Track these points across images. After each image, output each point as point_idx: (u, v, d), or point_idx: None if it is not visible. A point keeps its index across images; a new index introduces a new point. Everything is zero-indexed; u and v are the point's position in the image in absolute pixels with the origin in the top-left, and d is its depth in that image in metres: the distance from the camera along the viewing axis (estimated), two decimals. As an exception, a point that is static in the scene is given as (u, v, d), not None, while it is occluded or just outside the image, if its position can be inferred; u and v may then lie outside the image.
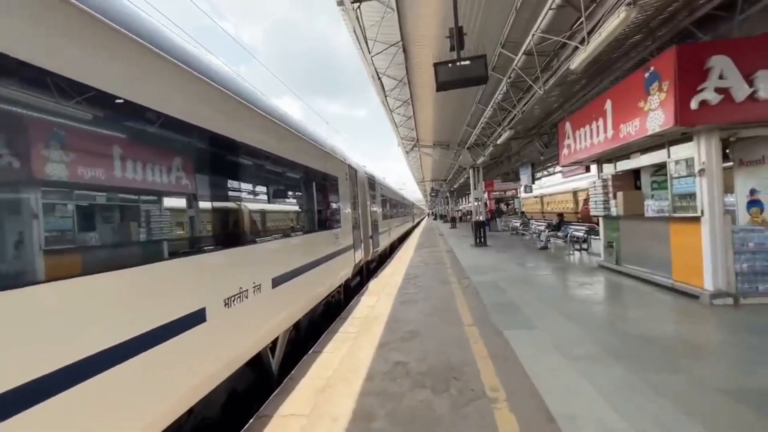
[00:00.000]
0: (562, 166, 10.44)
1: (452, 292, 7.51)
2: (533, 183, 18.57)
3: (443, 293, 7.42)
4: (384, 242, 14.18)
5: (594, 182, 8.88)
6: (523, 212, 24.24)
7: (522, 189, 26.49)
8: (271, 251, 4.15)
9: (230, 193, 3.46)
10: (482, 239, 15.90)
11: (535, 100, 8.26)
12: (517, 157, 17.35)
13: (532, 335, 4.76)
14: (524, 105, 8.90)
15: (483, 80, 5.43)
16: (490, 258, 12.22)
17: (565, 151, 9.38)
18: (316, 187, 5.97)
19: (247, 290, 3.43)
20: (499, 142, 11.59)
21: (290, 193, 4.98)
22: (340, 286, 7.50)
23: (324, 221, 6.29)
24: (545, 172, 24.38)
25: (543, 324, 5.16)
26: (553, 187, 37.20)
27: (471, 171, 16.23)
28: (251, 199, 3.86)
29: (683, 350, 4.08)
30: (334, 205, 6.92)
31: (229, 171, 3.47)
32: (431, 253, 14.33)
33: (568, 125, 9.14)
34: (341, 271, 7.21)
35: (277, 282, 4.12)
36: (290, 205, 4.95)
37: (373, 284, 8.87)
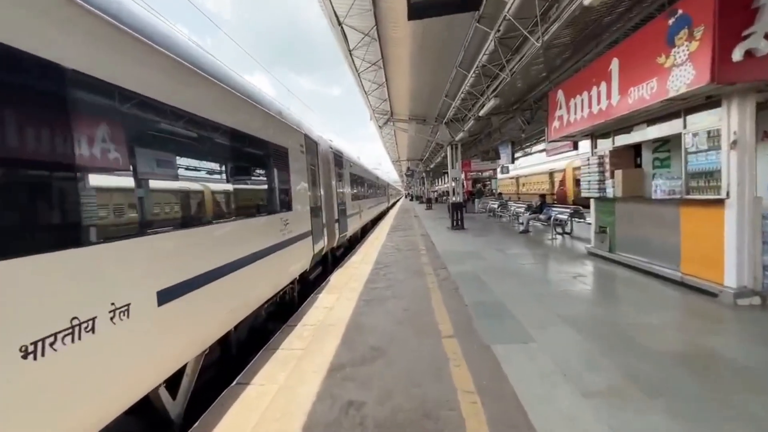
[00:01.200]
0: (550, 141, 9.36)
1: (427, 287, 6.35)
2: (513, 162, 17.64)
3: (417, 289, 6.25)
4: (354, 225, 12.88)
5: (587, 160, 7.85)
6: (500, 193, 23.48)
7: (499, 169, 25.74)
8: (159, 251, 2.76)
9: (58, 156, 2.02)
10: (459, 222, 14.89)
11: (529, 57, 6.97)
12: (498, 135, 16.31)
13: (529, 353, 3.66)
14: (515, 65, 7.60)
15: (471, 5, 4.08)
16: (469, 243, 11.20)
17: (556, 123, 8.27)
18: (250, 159, 4.54)
19: (91, 321, 2.05)
20: (482, 113, 10.33)
21: (198, 165, 3.53)
22: (292, 283, 6.18)
23: (264, 203, 4.90)
24: (525, 152, 23.53)
25: (541, 335, 4.08)
26: (528, 168, 36.87)
27: (449, 149, 15.02)
28: (112, 168, 2.42)
29: (733, 377, 3.07)
30: (280, 184, 5.51)
31: (57, 116, 2.02)
32: (405, 237, 13.19)
33: (560, 94, 7.98)
34: (293, 264, 5.88)
35: (169, 295, 2.75)
36: (196, 182, 3.51)
37: (336, 277, 7.59)
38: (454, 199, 15.09)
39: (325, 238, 8.34)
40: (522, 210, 15.05)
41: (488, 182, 28.91)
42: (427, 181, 33.52)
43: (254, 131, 4.62)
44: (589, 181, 7.80)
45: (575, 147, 12.08)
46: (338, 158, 10.65)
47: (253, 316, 4.72)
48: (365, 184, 17.51)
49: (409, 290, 6.19)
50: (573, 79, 7.57)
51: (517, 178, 39.83)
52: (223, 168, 3.91)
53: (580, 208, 11.48)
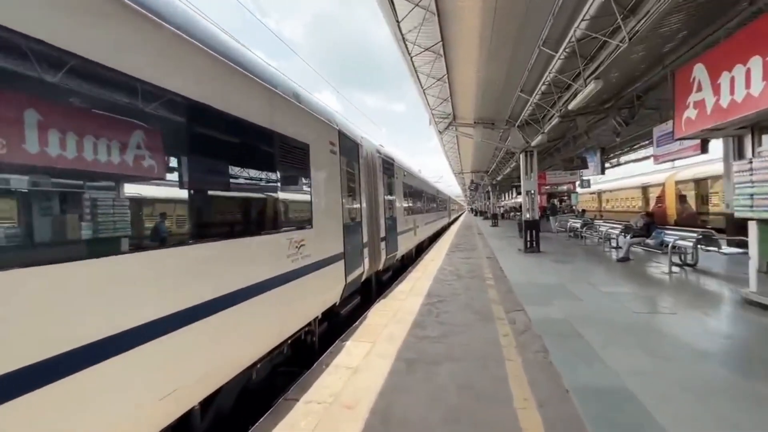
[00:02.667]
0: (679, 138, 6.80)
1: (498, 342, 4.38)
2: (602, 173, 14.59)
3: (483, 345, 4.32)
4: (407, 244, 11.16)
5: (749, 162, 5.26)
6: (583, 210, 20.12)
7: (578, 183, 22.30)
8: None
9: None
10: (534, 243, 12.40)
11: (666, 6, 4.63)
12: (583, 140, 13.55)
13: None
14: (638, 24, 5.19)
15: None
16: (549, 272, 8.82)
17: (691, 112, 5.83)
18: (232, 152, 3.12)
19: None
20: (573, 104, 7.99)
21: (155, 160, 2.15)
22: (310, 324, 4.63)
23: (257, 218, 3.44)
24: (620, 161, 19.85)
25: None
26: (613, 182, 32.08)
27: (522, 156, 12.71)
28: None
29: None
30: (291, 191, 4.07)
31: None
32: (468, 260, 11.11)
33: (699, 70, 5.59)
34: (310, 301, 4.35)
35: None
36: (147, 185, 2.13)
37: (374, 314, 5.92)
38: (527, 216, 12.66)
39: (366, 261, 6.75)
40: (617, 231, 12.09)
41: (565, 197, 25.33)
42: (493, 196, 30.67)
43: (262, 120, 3.23)
44: (752, 195, 5.20)
45: (703, 149, 9.10)
46: (388, 165, 9.11)
47: (236, 384, 3.22)
48: (422, 196, 15.76)
49: (471, 347, 4.28)
50: (729, 44, 5.14)
51: (598, 194, 34.93)
52: (176, 163, 2.49)
53: (713, 232, 8.49)
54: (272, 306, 3.44)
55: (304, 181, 4.29)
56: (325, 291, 4.76)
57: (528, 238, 12.40)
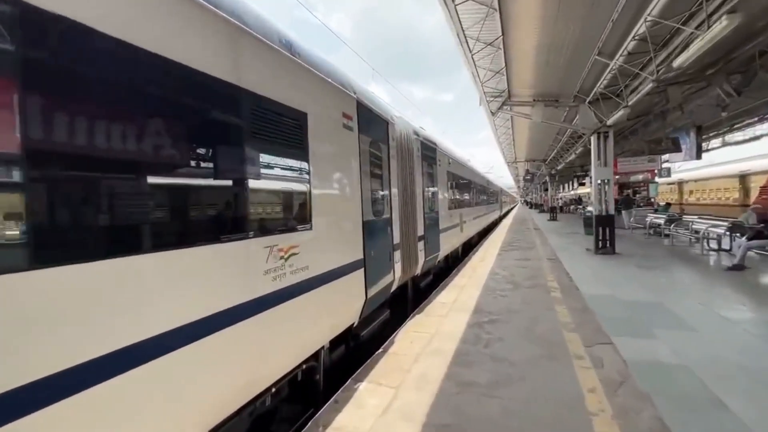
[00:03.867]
0: None
1: (581, 408, 2.89)
2: (698, 157, 11.82)
3: (556, 415, 2.86)
4: (452, 242, 9.69)
5: None
6: (667, 204, 17.04)
7: (658, 171, 19.05)
8: None
9: None
10: (608, 243, 10.29)
11: None
12: (676, 116, 10.92)
13: None
14: None
15: None
16: (635, 282, 6.91)
17: None
18: (175, 118, 1.98)
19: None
20: (686, 57, 5.85)
21: None
22: (316, 356, 3.45)
23: (210, 218, 2.30)
24: (725, 140, 16.30)
25: None
26: (699, 170, 27.46)
27: (594, 139, 10.57)
28: None
29: None
30: (276, 179, 2.89)
31: None
32: (525, 262, 9.39)
33: None
34: (306, 330, 3.15)
35: None
36: None
37: (403, 337, 4.63)
38: (599, 209, 10.53)
39: (397, 267, 5.47)
40: (721, 230, 9.60)
41: (641, 188, 21.93)
42: (552, 187, 27.69)
43: (174, 51, 2.03)
44: None
45: None
46: (429, 150, 7.68)
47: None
48: (470, 187, 14.06)
49: (538, 412, 2.84)
50: None
51: (678, 183, 30.27)
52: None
53: None
54: (235, 350, 2.29)
55: (296, 164, 3.09)
56: (333, 312, 3.57)
57: (600, 237, 10.31)
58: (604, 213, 10.35)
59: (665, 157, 14.92)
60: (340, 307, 3.72)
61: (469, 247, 13.68)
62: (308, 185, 3.17)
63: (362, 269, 4.19)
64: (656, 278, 7.27)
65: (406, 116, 7.06)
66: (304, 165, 3.14)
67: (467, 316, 5.27)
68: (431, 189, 7.85)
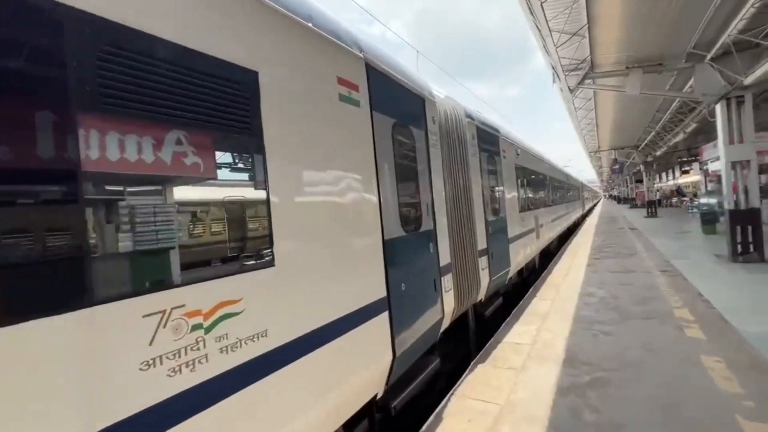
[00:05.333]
0: None
1: None
2: None
3: None
4: (525, 252, 7.75)
5: None
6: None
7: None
8: None
9: None
10: (755, 246, 7.49)
11: None
12: None
13: None
14: None
15: None
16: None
17: None
18: None
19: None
20: None
21: None
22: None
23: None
24: None
25: None
26: None
27: (721, 108, 7.84)
28: None
29: None
30: (180, 184, 1.65)
31: None
32: (627, 276, 7.10)
33: None
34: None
35: None
36: None
37: (453, 415, 3.09)
38: (735, 202, 7.74)
39: (447, 297, 3.94)
40: None
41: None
42: (648, 178, 23.20)
43: None
44: None
45: None
46: (488, 139, 5.99)
47: None
48: (546, 184, 11.78)
49: None
50: None
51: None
52: None
53: None
54: None
55: (230, 156, 1.84)
56: (332, 390, 2.21)
57: (742, 239, 7.54)
58: (746, 207, 7.56)
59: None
60: (348, 378, 2.35)
61: (548, 254, 11.39)
62: (263, 191, 1.88)
63: (386, 312, 2.78)
64: None
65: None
66: (250, 157, 1.87)
67: (555, 372, 3.55)
68: (495, 188, 6.14)
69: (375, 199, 2.79)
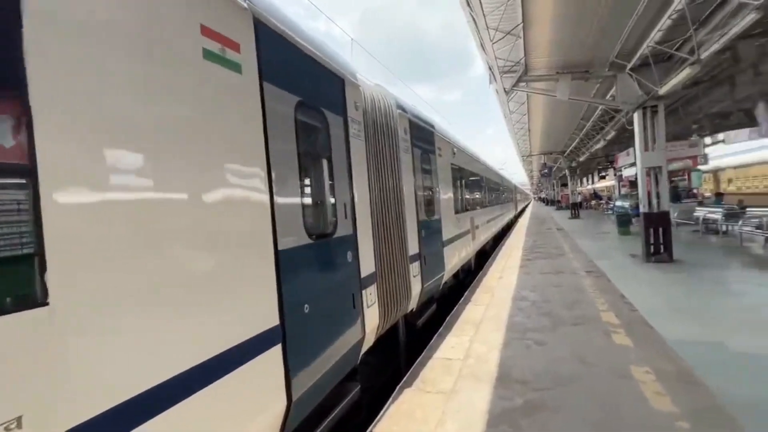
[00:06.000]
0: None
1: None
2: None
3: None
4: (461, 254, 7.51)
5: None
6: (720, 194, 14.52)
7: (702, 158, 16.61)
8: None
9: None
10: (664, 248, 8.02)
11: None
12: (747, 78, 8.41)
13: None
14: None
15: None
16: (739, 312, 4.66)
17: None
18: None
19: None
20: None
21: None
22: None
23: None
24: None
25: None
26: (741, 155, 24.65)
27: (638, 117, 8.30)
28: None
29: None
30: None
31: None
32: (557, 277, 7.16)
33: None
34: None
35: None
36: None
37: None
38: (649, 205, 8.24)
39: (370, 314, 3.38)
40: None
41: (678, 178, 19.30)
42: (572, 181, 25.15)
43: None
44: None
45: None
46: (422, 135, 5.57)
47: None
48: (483, 185, 11.87)
49: None
50: None
51: (714, 172, 27.26)
52: None
53: None
54: None
55: None
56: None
57: (653, 241, 8.03)
58: (657, 210, 8.06)
59: (720, 136, 12.44)
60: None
61: (483, 255, 11.46)
62: (27, 181, 1.12)
63: (278, 346, 2.12)
64: (764, 303, 4.99)
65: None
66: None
67: (487, 395, 3.15)
68: (429, 187, 5.74)
69: (264, 198, 2.11)
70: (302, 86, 2.61)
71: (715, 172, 26.94)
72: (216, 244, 1.78)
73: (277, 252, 2.16)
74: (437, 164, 6.20)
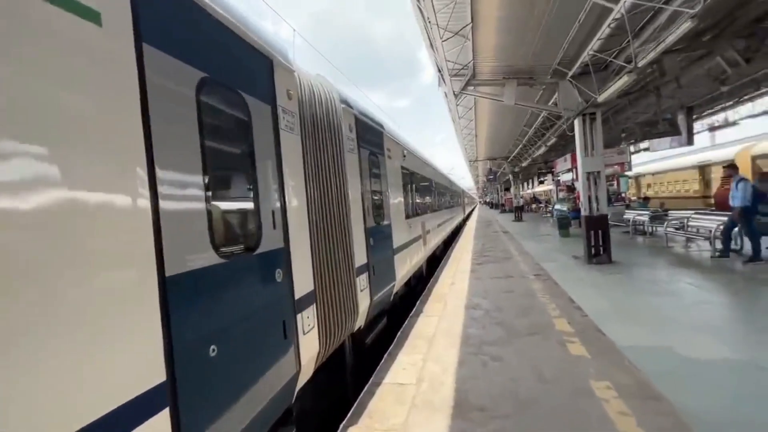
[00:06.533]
0: None
1: None
2: (690, 142, 10.27)
3: None
4: (412, 262, 7.16)
5: None
6: (645, 198, 15.83)
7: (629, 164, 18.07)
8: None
9: None
10: (603, 250, 8.33)
11: None
12: (671, 90, 9.15)
13: None
14: None
15: None
16: (679, 314, 4.76)
17: None
18: None
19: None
20: None
21: None
22: None
23: None
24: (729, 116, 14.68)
25: None
26: (656, 162, 27.49)
27: (578, 124, 8.59)
28: None
29: None
30: None
31: None
32: (507, 282, 7.08)
33: None
34: None
35: None
36: None
37: None
38: (589, 209, 8.54)
39: (306, 342, 2.83)
40: (715, 224, 7.90)
41: (607, 183, 20.87)
42: (515, 186, 26.35)
43: None
44: None
45: None
46: (370, 133, 5.13)
47: None
48: (434, 189, 11.75)
49: None
50: None
51: (636, 178, 30.14)
52: None
53: None
54: None
55: None
56: None
57: (594, 243, 8.31)
58: (597, 214, 8.36)
59: (644, 144, 13.52)
60: None
61: (434, 260, 11.30)
62: None
63: (165, 410, 1.51)
64: (699, 304, 5.18)
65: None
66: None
67: (445, 426, 2.74)
68: (378, 191, 5.30)
69: (142, 203, 1.50)
70: (209, 59, 2.02)
71: (637, 178, 29.81)
72: (48, 273, 1.15)
73: (162, 278, 1.55)
74: (387, 166, 5.79)
